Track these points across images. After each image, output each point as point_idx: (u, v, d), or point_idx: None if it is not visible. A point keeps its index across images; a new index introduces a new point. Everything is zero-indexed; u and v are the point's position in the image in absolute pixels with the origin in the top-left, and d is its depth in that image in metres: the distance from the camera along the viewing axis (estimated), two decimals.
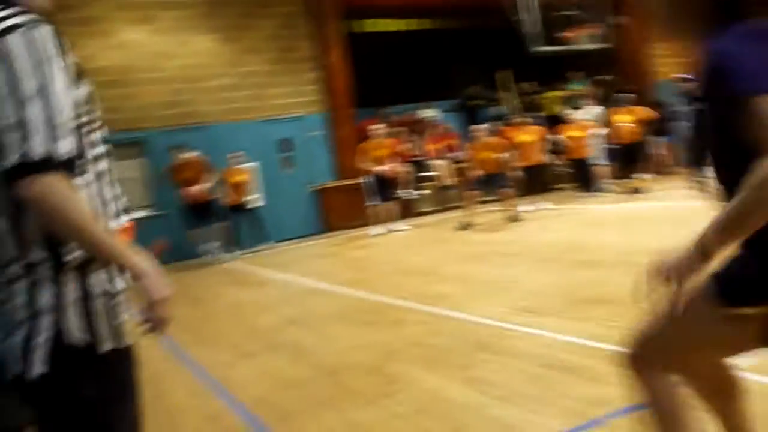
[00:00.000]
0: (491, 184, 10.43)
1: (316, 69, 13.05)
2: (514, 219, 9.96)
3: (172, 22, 11.91)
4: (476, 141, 10.75)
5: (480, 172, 10.38)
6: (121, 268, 1.38)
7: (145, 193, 11.65)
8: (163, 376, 4.45)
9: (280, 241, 11.79)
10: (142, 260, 1.37)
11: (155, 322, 1.41)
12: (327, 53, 12.91)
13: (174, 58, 11.89)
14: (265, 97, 12.57)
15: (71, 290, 1.36)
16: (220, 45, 12.26)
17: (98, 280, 1.40)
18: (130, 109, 11.49)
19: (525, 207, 11.01)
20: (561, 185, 13.47)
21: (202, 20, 12.12)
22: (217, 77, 12.18)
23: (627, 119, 11.36)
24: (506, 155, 10.54)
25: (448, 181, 13.55)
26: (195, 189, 10.45)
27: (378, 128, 11.25)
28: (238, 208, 11.11)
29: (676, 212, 8.91)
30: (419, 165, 13.55)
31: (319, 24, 12.92)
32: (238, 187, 11.03)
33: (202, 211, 10.64)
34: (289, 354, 4.49)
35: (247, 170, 11.23)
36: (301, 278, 7.83)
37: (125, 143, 11.41)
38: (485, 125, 10.87)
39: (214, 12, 12.17)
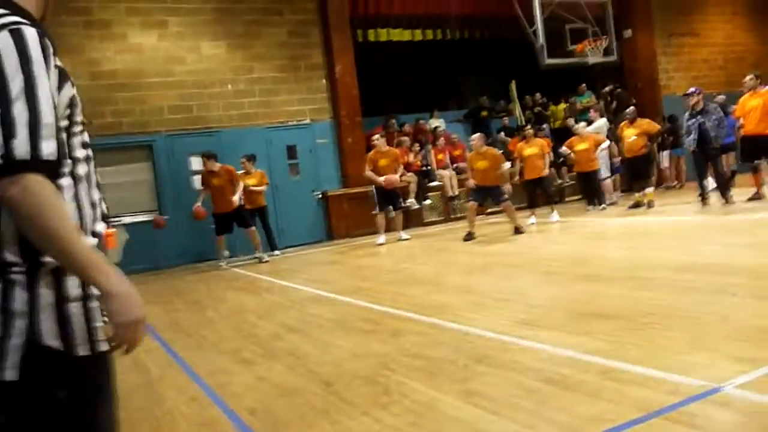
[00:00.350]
0: (489, 196, 10.31)
1: (326, 77, 13.09)
2: (518, 231, 9.90)
3: (183, 28, 11.98)
4: (471, 151, 10.61)
5: (472, 182, 10.24)
6: (90, 284, 1.35)
7: (152, 196, 11.70)
8: (160, 380, 4.44)
9: (285, 248, 11.79)
10: (112, 280, 1.33)
11: (121, 345, 1.37)
12: (336, 62, 12.95)
13: (184, 63, 11.95)
14: (273, 103, 12.61)
15: (46, 293, 1.33)
16: (230, 51, 12.32)
17: (74, 283, 1.37)
18: (139, 112, 11.56)
19: (530, 219, 10.98)
20: (567, 198, 13.44)
21: (212, 26, 12.18)
22: (227, 83, 12.23)
23: (633, 133, 11.32)
24: (502, 168, 10.32)
25: (454, 192, 13.56)
26: (226, 201, 10.26)
27: (378, 138, 11.23)
28: (253, 212, 10.96)
29: (681, 227, 8.87)
30: (425, 175, 13.55)
31: (328, 32, 12.97)
32: (251, 191, 10.88)
33: (231, 220, 10.52)
34: (286, 362, 4.47)
35: (259, 173, 11.09)
36: (303, 285, 7.81)
37: (134, 146, 11.49)
38: (477, 134, 10.66)
39: (225, 19, 12.24)
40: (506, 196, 10.13)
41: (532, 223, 10.83)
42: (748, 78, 10.18)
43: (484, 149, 10.27)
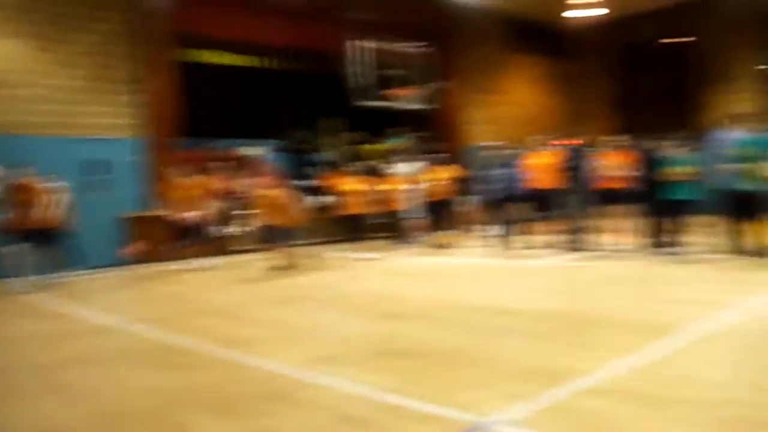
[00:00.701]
0: (276, 234, 10.06)
1: (138, 93, 12.48)
2: (286, 268, 9.81)
3: None
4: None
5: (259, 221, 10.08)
6: None
7: None
8: None
9: (83, 270, 10.90)
10: None
11: None
12: (152, 78, 12.42)
13: None
14: (76, 114, 11.76)
15: None
16: (29, 53, 11.33)
17: None
18: None
19: (347, 254, 11.18)
20: (377, 235, 13.86)
21: (10, 24, 11.16)
22: (25, 86, 11.24)
23: (439, 177, 12.08)
24: (293, 206, 10.21)
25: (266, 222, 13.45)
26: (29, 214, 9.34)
27: (180, 170, 10.97)
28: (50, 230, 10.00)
29: (477, 269, 9.51)
30: (238, 203, 13.33)
31: (146, 47, 12.44)
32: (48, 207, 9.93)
33: (31, 235, 9.49)
34: (67, 396, 4.12)
35: (57, 189, 10.19)
36: (97, 312, 7.28)
37: None
38: (258, 177, 10.58)
39: (25, 17, 11.27)
40: (288, 235, 10.04)
41: (347, 258, 11.04)
42: (540, 136, 11.30)
43: (270, 186, 10.20)
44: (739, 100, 16.60)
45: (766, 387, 3.57)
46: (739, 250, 8.52)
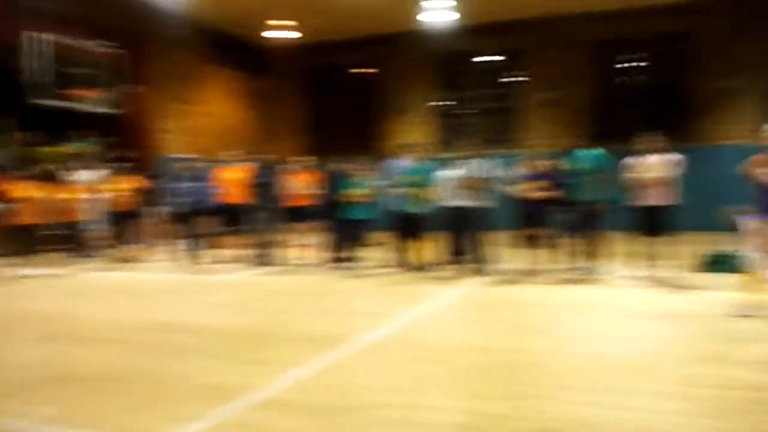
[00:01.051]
0: None
1: None
2: None
3: None
4: None
5: None
6: None
7: None
8: None
9: None
10: None
11: None
12: None
13: None
14: None
15: None
16: None
17: None
18: None
19: (11, 269, 10.02)
20: (53, 248, 12.67)
21: None
22: None
23: (125, 187, 11.53)
24: None
25: None
26: None
27: None
28: None
29: (162, 284, 9.23)
30: None
31: None
32: None
33: None
34: None
35: None
36: None
37: None
38: None
39: None
40: None
41: (15, 274, 9.91)
42: (233, 151, 11.41)
43: None
44: (412, 131, 18.65)
45: (420, 390, 4.06)
46: (405, 265, 9.57)
